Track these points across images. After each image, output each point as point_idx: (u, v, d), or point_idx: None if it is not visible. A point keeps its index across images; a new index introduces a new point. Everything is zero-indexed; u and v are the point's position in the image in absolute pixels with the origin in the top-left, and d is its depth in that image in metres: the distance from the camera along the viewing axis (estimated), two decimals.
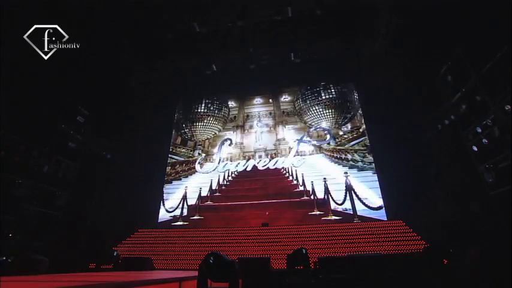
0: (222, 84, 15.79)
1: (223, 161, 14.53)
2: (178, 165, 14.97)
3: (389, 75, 11.96)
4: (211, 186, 13.68)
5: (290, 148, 14.11)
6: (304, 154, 13.80)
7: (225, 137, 15.45)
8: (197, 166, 14.68)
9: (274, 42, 13.49)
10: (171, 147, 15.37)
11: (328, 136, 13.99)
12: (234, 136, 15.44)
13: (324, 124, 14.35)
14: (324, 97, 14.84)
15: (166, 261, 9.26)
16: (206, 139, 15.57)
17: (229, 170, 14.19)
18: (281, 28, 12.59)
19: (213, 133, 15.67)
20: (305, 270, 5.41)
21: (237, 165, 14.08)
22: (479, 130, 8.19)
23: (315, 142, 14.10)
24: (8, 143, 8.68)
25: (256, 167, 13.78)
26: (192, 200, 13.34)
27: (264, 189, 13.15)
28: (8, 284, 2.71)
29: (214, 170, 14.26)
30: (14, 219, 8.53)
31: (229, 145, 15.18)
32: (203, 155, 15.13)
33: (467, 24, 8.06)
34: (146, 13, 11.53)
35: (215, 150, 15.00)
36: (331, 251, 8.71)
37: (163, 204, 13.44)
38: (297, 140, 14.25)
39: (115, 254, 7.99)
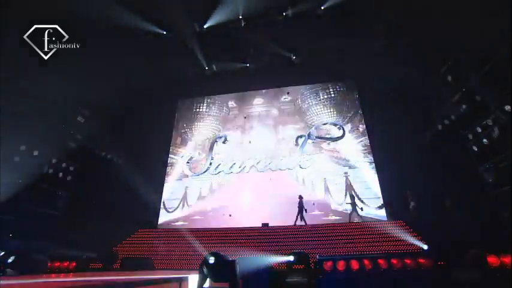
0: (222, 84, 15.78)
1: (214, 162, 13.66)
2: (182, 171, 14.89)
3: (389, 75, 11.96)
4: (211, 186, 13.67)
5: (290, 149, 14.03)
6: (306, 154, 13.72)
7: (219, 135, 14.38)
8: (186, 168, 13.76)
9: (274, 42, 13.49)
10: (171, 147, 15.35)
11: (341, 131, 13.32)
12: (234, 136, 15.40)
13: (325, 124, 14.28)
14: (325, 96, 14.78)
15: (166, 261, 9.24)
16: (206, 139, 15.52)
17: (223, 171, 13.47)
18: (281, 28, 12.58)
19: (213, 133, 15.63)
20: (305, 270, 5.41)
21: (231, 167, 13.24)
22: (479, 130, 8.20)
23: (313, 139, 13.92)
24: (8, 143, 8.69)
25: (255, 168, 13.58)
26: (192, 200, 13.32)
27: (264, 189, 13.13)
28: (8, 284, 2.71)
29: (204, 172, 13.52)
30: (14, 219, 8.54)
31: (224, 142, 14.23)
32: (197, 154, 14.52)
33: (467, 24, 8.07)
34: (146, 13, 11.53)
35: (214, 150, 14.92)
36: (331, 251, 8.70)
37: (164, 204, 13.43)
38: (303, 136, 13.45)
39: (114, 254, 7.99)
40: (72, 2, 9.57)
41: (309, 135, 13.71)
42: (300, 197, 11.27)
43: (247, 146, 14.70)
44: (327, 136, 13.77)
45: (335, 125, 13.84)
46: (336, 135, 13.57)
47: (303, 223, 10.89)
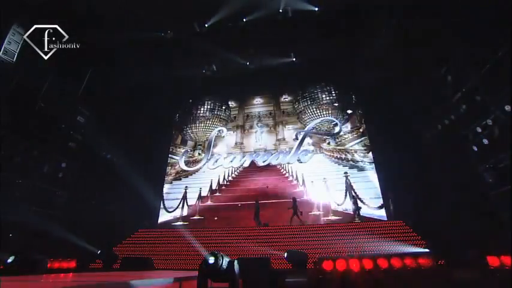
0: (222, 84, 15.78)
1: (213, 156, 13.93)
2: (178, 165, 14.95)
3: (389, 75, 11.95)
4: (211, 186, 13.67)
5: (290, 148, 14.05)
6: (308, 151, 13.72)
7: (217, 129, 14.67)
8: (181, 163, 14.02)
9: (274, 42, 13.48)
10: (171, 147, 15.35)
11: (336, 128, 13.65)
12: (234, 136, 15.43)
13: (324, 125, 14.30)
14: (323, 99, 14.76)
15: (166, 261, 9.24)
16: (206, 139, 15.52)
17: (222, 165, 13.58)
18: (281, 28, 12.57)
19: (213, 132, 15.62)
20: (305, 270, 5.41)
21: (232, 161, 13.36)
22: (479, 130, 8.18)
23: (312, 137, 13.95)
24: (8, 143, 8.68)
25: (256, 163, 13.55)
26: (192, 200, 13.33)
27: (263, 189, 13.14)
28: (8, 284, 2.71)
29: (203, 165, 13.70)
30: (14, 219, 8.53)
31: (220, 134, 14.29)
32: (193, 150, 14.89)
33: (467, 24, 8.06)
34: (147, 13, 11.52)
35: (215, 150, 14.90)
36: (331, 251, 8.70)
37: (164, 204, 13.43)
38: (301, 131, 13.87)
39: (114, 254, 7.98)
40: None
41: (307, 131, 13.99)
42: (294, 199, 11.41)
43: (248, 145, 14.84)
44: (324, 131, 14.00)
45: (331, 122, 14.05)
46: (333, 132, 13.85)
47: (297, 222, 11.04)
